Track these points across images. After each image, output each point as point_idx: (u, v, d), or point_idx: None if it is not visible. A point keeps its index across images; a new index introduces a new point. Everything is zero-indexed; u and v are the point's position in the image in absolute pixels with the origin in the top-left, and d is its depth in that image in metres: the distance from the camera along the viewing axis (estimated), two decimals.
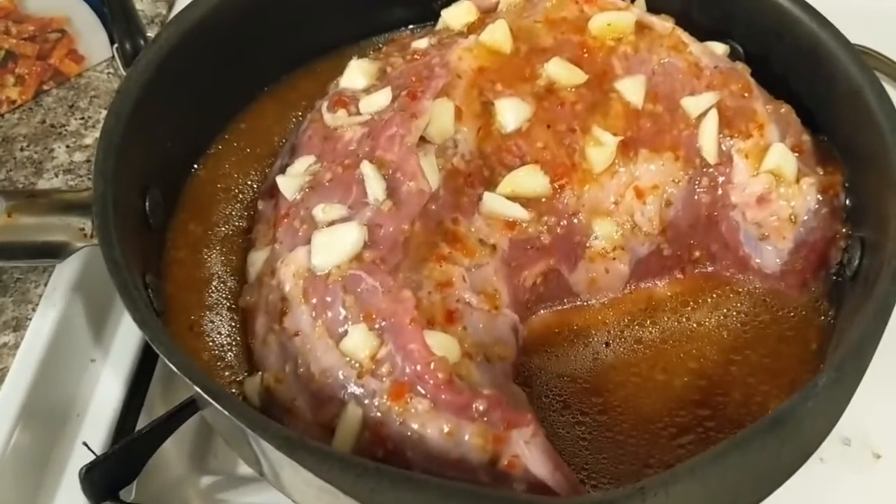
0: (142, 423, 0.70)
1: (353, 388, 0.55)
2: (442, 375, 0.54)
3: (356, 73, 0.71)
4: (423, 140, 0.64)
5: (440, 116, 0.65)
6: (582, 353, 0.66)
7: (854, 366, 0.51)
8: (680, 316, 0.68)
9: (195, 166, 0.75)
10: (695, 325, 0.67)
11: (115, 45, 0.92)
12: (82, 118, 0.91)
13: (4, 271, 0.77)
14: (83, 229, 0.60)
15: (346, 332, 0.56)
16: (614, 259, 0.67)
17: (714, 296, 0.69)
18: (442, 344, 0.56)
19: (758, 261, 0.69)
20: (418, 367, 0.54)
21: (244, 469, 0.68)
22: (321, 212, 0.61)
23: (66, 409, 0.71)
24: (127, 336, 0.74)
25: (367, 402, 0.54)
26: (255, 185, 0.75)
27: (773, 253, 0.68)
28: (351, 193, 0.62)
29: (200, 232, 0.71)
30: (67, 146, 0.88)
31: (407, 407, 0.53)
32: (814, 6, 0.71)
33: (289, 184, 0.64)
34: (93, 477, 0.60)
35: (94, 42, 0.94)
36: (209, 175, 0.75)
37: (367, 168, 0.62)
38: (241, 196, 0.74)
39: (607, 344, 0.67)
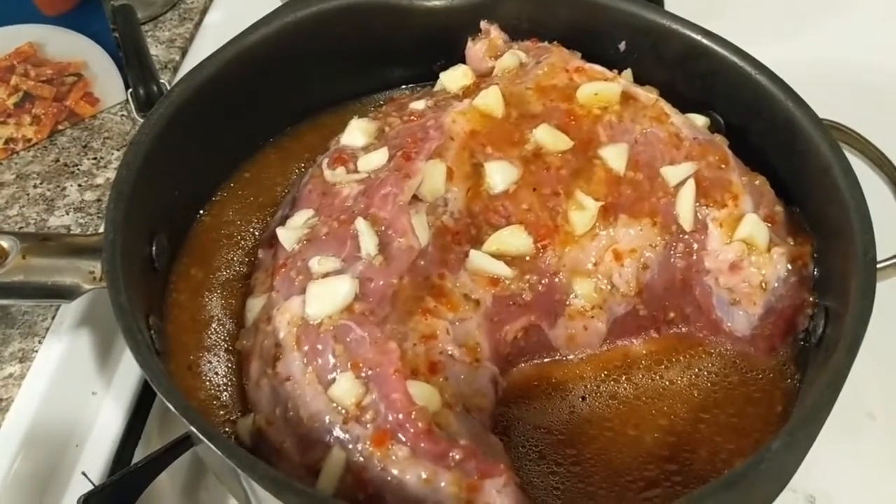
0: (139, 455, 0.73)
1: (339, 434, 0.58)
2: (422, 425, 0.57)
3: (356, 132, 0.74)
4: (415, 198, 0.68)
5: (432, 177, 0.69)
6: (559, 405, 0.69)
7: (805, 433, 0.54)
8: (653, 374, 0.71)
9: (200, 212, 0.79)
10: (667, 383, 0.70)
11: (130, 90, 0.96)
12: (95, 158, 0.94)
13: (12, 306, 0.81)
14: (92, 272, 0.63)
15: (334, 380, 0.59)
16: (592, 317, 0.70)
17: (687, 356, 0.72)
18: (423, 394, 0.59)
19: (729, 324, 0.72)
20: (400, 416, 0.57)
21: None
22: (316, 264, 0.65)
23: (66, 440, 0.73)
24: (127, 371, 0.77)
25: (350, 447, 0.57)
26: (256, 232, 0.78)
27: (743, 317, 0.71)
28: (345, 248, 0.65)
29: (202, 276, 0.74)
30: (79, 185, 0.92)
31: (388, 453, 0.56)
32: (789, 83, 0.75)
33: (288, 235, 0.68)
34: None
35: (109, 86, 0.98)
36: (213, 221, 0.78)
37: (361, 224, 0.65)
38: (242, 242, 0.77)
39: (583, 398, 0.69)
